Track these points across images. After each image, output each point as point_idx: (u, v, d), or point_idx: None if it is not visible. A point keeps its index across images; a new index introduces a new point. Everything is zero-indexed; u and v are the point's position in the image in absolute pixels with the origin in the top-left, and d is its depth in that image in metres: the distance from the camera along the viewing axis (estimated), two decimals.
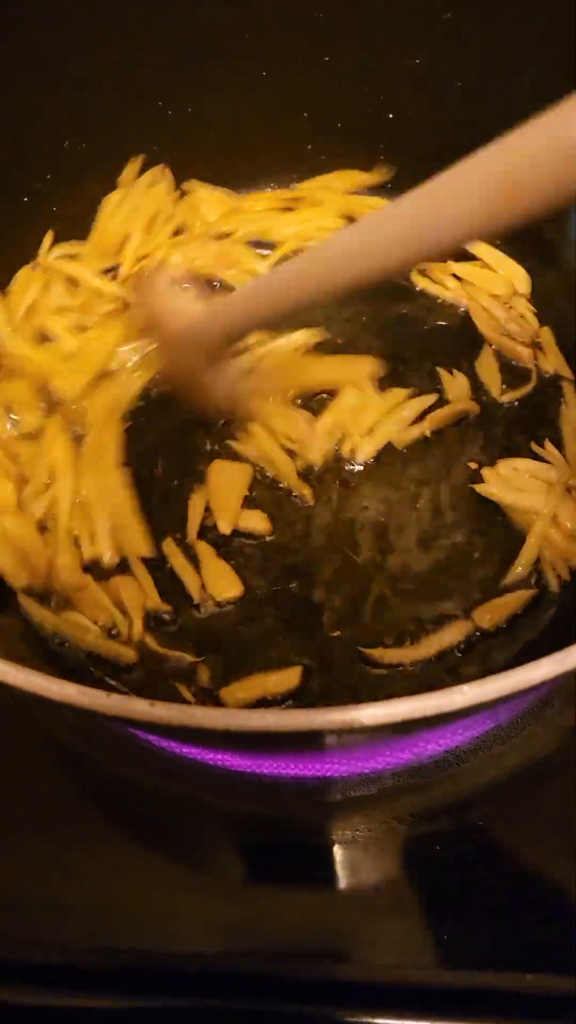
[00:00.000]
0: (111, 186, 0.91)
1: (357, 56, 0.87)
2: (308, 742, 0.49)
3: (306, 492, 0.79)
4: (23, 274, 0.89)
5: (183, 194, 0.95)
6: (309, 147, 0.94)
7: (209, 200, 0.94)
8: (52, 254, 0.90)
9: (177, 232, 0.93)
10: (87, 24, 0.80)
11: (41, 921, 0.66)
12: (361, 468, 0.82)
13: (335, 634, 0.74)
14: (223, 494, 0.78)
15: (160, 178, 0.93)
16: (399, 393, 0.84)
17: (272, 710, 0.41)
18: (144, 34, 0.83)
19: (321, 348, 0.88)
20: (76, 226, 0.91)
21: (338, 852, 0.69)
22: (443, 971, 0.64)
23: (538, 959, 0.64)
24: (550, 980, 0.63)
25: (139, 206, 0.91)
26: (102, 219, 0.92)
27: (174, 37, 0.84)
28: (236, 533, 0.78)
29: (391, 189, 0.92)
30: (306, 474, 0.81)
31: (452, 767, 0.72)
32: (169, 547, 0.77)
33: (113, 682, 0.73)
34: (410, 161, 0.91)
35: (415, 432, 0.82)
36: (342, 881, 0.69)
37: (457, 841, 0.69)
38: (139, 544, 0.76)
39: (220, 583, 0.75)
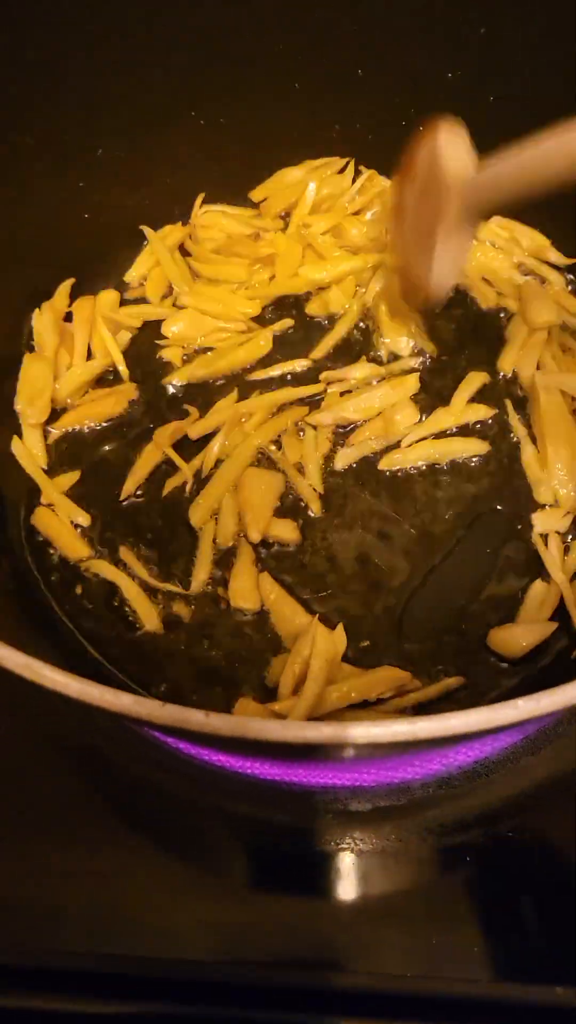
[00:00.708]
0: (139, 197, 0.92)
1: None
2: (356, 752, 0.49)
3: (315, 505, 0.80)
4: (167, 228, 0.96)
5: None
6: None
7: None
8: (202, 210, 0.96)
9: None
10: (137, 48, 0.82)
11: (41, 925, 0.66)
12: (391, 480, 0.82)
13: (364, 644, 0.74)
14: (255, 502, 0.78)
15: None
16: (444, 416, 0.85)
17: (328, 723, 0.41)
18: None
19: None
20: (103, 228, 0.91)
21: (368, 862, 0.69)
22: (481, 983, 0.64)
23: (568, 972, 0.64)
24: None
25: (316, 181, 0.96)
26: (272, 182, 0.97)
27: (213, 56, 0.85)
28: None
29: None
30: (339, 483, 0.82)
31: (481, 778, 0.72)
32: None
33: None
34: None
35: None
36: (371, 891, 0.69)
37: (487, 852, 0.69)
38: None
39: (241, 591, 0.75)
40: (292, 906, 0.68)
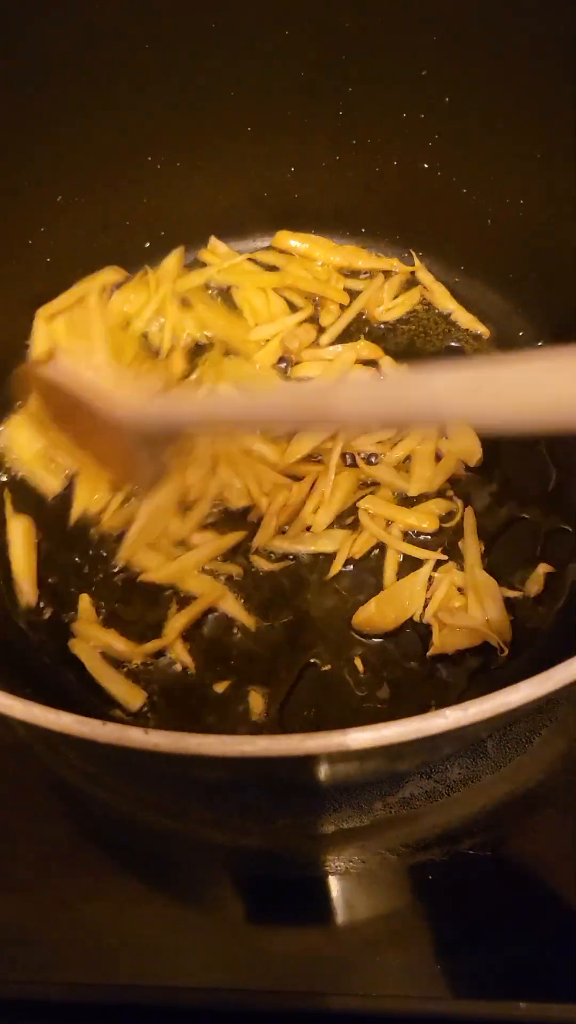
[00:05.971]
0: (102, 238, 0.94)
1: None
2: (299, 767, 0.50)
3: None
4: None
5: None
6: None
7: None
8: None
9: None
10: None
11: (44, 959, 0.67)
12: None
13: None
14: None
15: None
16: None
17: (263, 736, 0.43)
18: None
19: None
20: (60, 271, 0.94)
21: (333, 884, 0.70)
22: (441, 1000, 0.65)
23: (534, 986, 0.65)
24: (544, 1008, 0.64)
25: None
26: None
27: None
28: None
29: None
30: None
31: (442, 797, 0.73)
32: None
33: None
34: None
35: None
36: (337, 912, 0.70)
37: (449, 871, 0.70)
38: None
39: None
40: (277, 930, 0.69)
